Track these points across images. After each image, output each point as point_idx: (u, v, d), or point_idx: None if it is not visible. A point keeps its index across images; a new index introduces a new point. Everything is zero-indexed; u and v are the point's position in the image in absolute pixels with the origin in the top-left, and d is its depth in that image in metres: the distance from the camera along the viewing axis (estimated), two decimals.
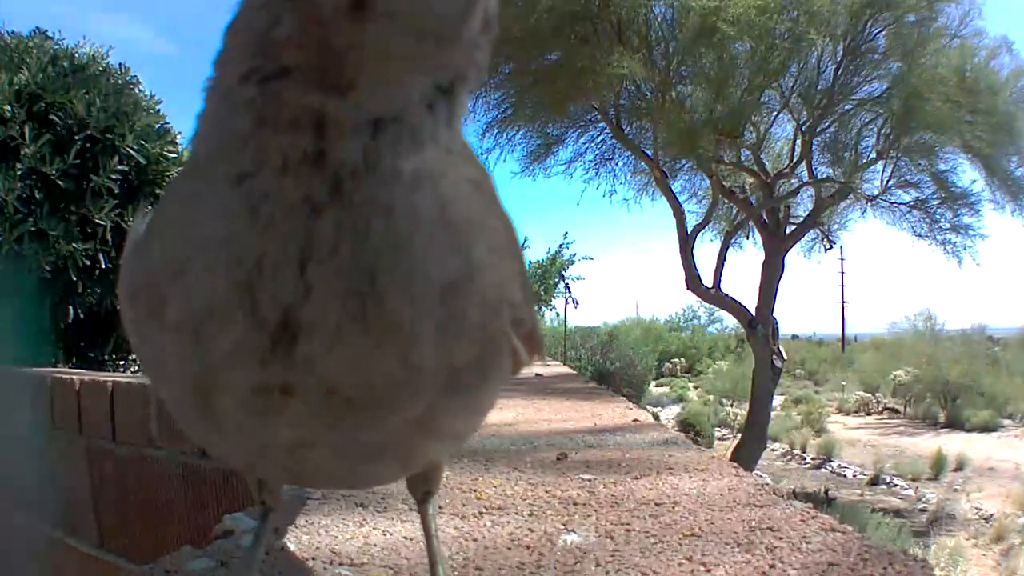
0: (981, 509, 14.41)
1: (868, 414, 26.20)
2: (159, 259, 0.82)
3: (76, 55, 5.64)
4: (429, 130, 0.77)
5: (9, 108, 4.95)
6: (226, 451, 0.94)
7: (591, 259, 28.62)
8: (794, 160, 13.12)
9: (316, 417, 0.81)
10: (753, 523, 1.91)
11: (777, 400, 17.74)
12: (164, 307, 0.80)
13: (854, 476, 17.39)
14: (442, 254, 0.78)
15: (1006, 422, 22.10)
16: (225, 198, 0.75)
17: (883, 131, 12.64)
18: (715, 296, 14.19)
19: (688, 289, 14.00)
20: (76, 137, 5.06)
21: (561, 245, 26.83)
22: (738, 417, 20.03)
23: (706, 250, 32.73)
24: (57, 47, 5.66)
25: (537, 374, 7.51)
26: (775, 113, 13.07)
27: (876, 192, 13.44)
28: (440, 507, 2.10)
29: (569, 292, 26.78)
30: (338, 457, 0.89)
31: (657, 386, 29.79)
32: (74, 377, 3.82)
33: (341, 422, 0.82)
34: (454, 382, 0.84)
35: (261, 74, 0.73)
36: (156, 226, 0.86)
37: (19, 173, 4.81)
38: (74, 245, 4.96)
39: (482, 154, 13.65)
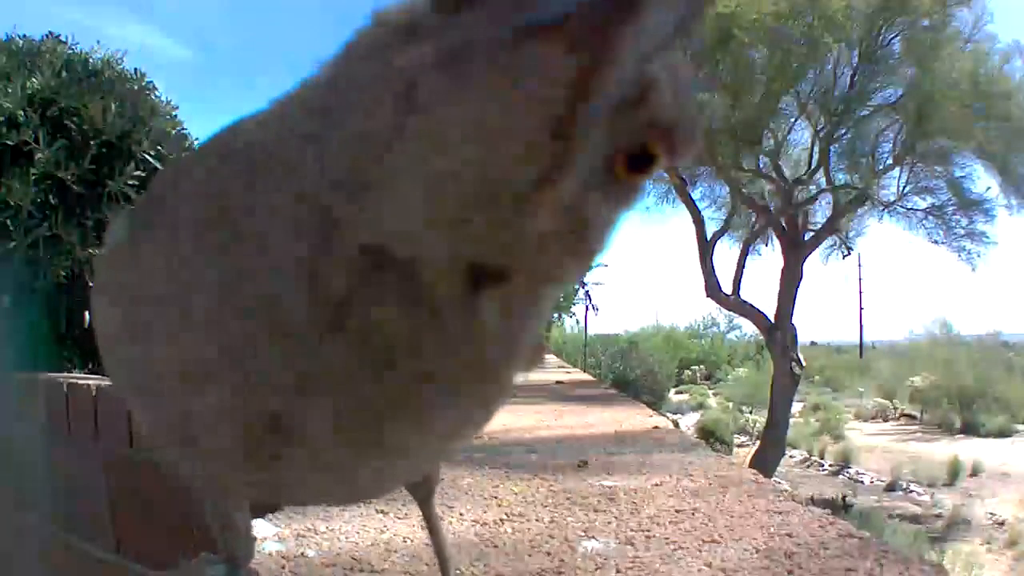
0: (995, 514, 14.39)
1: (885, 420, 26.14)
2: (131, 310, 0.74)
3: (90, 60, 5.63)
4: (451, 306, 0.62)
5: (22, 113, 4.94)
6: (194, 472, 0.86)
7: (605, 266, 28.60)
8: (812, 167, 13.08)
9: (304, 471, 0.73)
10: (772, 529, 1.91)
11: (796, 407, 17.69)
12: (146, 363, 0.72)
13: (871, 482, 17.36)
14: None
15: (1020, 428, 22.02)
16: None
17: (899, 137, 12.60)
18: (734, 303, 14.19)
19: (708, 296, 14.01)
20: (91, 142, 5.05)
21: None
22: (757, 424, 19.98)
23: (725, 257, 32.69)
24: (71, 52, 5.64)
25: (557, 381, 7.52)
26: (793, 120, 13.05)
27: (893, 198, 13.41)
28: (461, 514, 2.10)
29: (589, 299, 26.79)
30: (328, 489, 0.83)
31: (677, 393, 29.71)
32: (90, 383, 3.82)
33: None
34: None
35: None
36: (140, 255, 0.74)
37: (34, 178, 4.81)
38: (90, 251, 4.94)
39: None
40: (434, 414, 0.69)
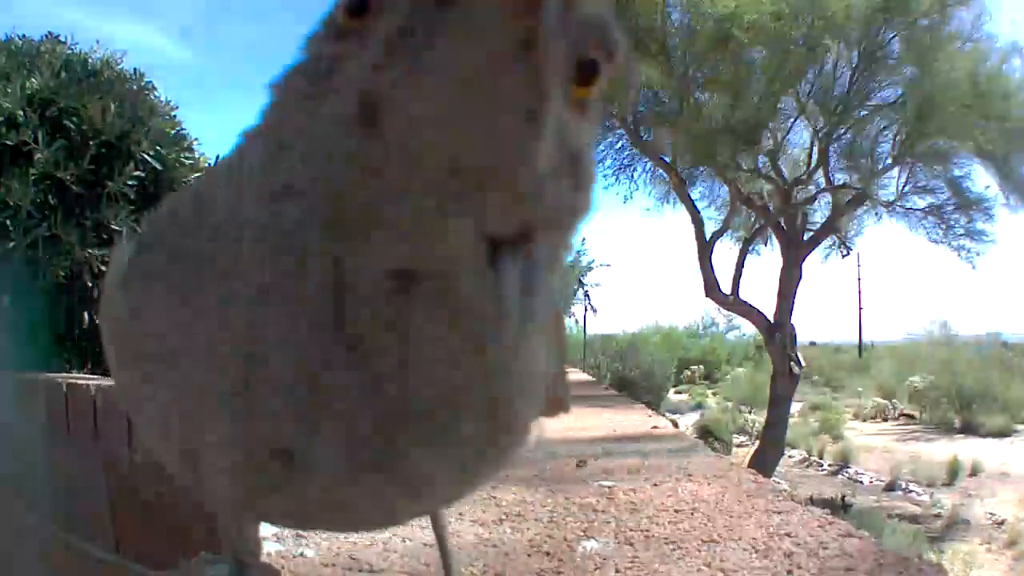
0: (995, 514, 14.39)
1: (885, 420, 26.11)
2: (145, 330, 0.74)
3: (89, 60, 5.62)
4: (483, 293, 0.61)
5: (21, 113, 4.94)
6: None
7: (608, 265, 28.71)
8: (811, 166, 13.09)
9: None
10: (771, 529, 1.91)
11: (795, 407, 17.65)
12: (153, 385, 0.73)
13: (871, 482, 17.35)
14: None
15: (1019, 427, 21.98)
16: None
17: (898, 137, 12.60)
18: (733, 303, 14.20)
19: (707, 296, 14.02)
20: (91, 143, 5.04)
21: (578, 252, 26.90)
22: (756, 424, 19.96)
23: (724, 257, 32.66)
24: (70, 52, 5.63)
25: None
26: (792, 119, 13.05)
27: (892, 198, 13.42)
28: (460, 514, 2.09)
29: (588, 299, 26.92)
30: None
31: (676, 393, 29.70)
32: (90, 383, 3.81)
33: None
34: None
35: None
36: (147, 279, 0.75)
37: (33, 178, 4.80)
38: (89, 251, 4.93)
39: None
40: (446, 445, 0.68)
